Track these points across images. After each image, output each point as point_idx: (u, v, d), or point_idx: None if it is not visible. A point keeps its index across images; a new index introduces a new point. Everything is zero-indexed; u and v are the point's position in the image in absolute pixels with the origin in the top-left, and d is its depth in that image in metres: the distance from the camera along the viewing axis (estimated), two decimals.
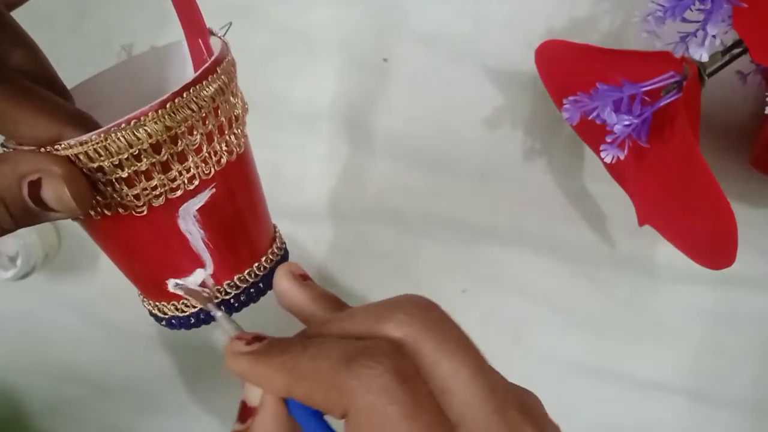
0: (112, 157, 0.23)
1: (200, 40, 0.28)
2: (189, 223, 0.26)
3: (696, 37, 0.32)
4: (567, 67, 0.38)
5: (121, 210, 0.25)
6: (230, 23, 0.29)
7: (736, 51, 0.33)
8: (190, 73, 0.29)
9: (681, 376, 0.46)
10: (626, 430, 0.47)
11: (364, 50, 0.45)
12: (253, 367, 0.24)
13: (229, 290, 0.28)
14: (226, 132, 0.26)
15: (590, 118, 0.33)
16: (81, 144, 0.23)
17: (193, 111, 0.24)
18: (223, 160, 0.26)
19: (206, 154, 0.25)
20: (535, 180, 0.45)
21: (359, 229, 0.47)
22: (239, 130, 0.27)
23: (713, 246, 0.34)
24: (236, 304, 0.28)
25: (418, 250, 0.47)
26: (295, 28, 0.46)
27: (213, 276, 0.27)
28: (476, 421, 0.21)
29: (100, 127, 0.24)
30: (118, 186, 0.24)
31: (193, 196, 0.26)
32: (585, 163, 0.45)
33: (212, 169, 0.26)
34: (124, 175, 0.24)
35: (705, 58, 0.31)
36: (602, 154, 0.34)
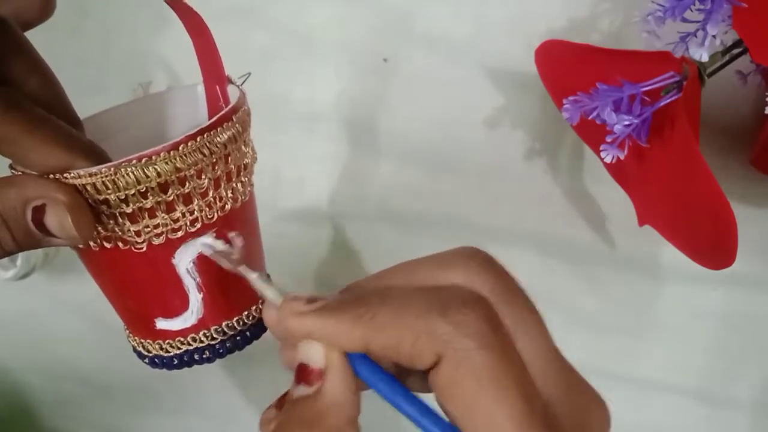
0: (119, 191, 0.24)
1: (218, 87, 0.29)
2: (185, 265, 0.26)
3: (696, 37, 0.32)
4: (567, 67, 0.38)
5: (120, 244, 0.25)
6: (249, 74, 0.29)
7: (736, 51, 0.33)
8: (203, 117, 0.29)
9: (681, 376, 0.46)
10: (626, 430, 0.47)
11: (365, 50, 0.45)
12: (325, 322, 0.23)
13: (215, 336, 0.28)
14: (233, 179, 0.26)
15: (590, 118, 0.33)
16: (90, 175, 0.23)
17: (205, 156, 0.25)
18: (228, 207, 0.26)
19: (211, 199, 0.26)
20: (535, 180, 0.45)
21: (359, 229, 0.47)
22: (246, 179, 0.28)
23: (713, 246, 0.34)
24: (221, 350, 0.28)
25: (419, 250, 0.47)
26: (295, 28, 0.46)
27: (201, 320, 0.27)
28: (544, 372, 0.24)
29: (110, 160, 0.24)
30: (121, 220, 0.25)
31: (193, 238, 0.26)
32: (585, 163, 0.45)
33: (215, 215, 0.26)
34: (129, 210, 0.24)
35: (705, 58, 0.31)
36: (602, 154, 0.34)
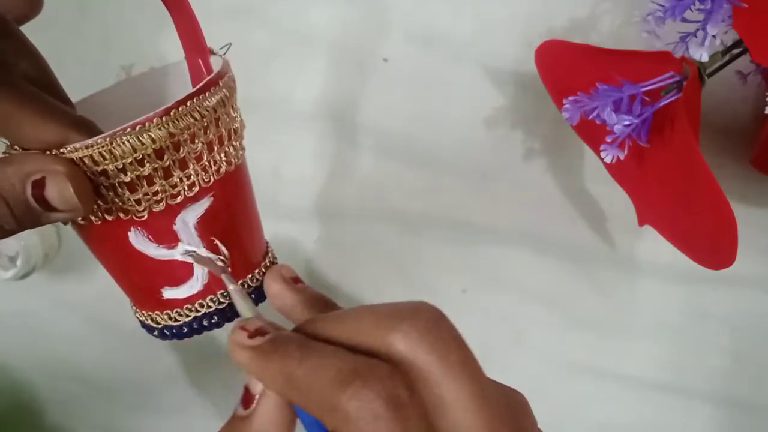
0: (116, 161, 0.24)
1: (200, 60, 0.29)
2: (187, 231, 0.27)
3: (696, 37, 0.32)
4: (567, 67, 0.38)
5: (121, 215, 0.25)
6: (230, 44, 0.29)
7: (736, 51, 0.33)
8: (189, 91, 0.30)
9: (681, 376, 0.46)
10: (626, 429, 0.47)
11: (365, 50, 0.45)
12: (253, 362, 0.24)
13: (222, 300, 0.28)
14: (225, 143, 0.27)
15: (590, 118, 0.33)
16: (86, 147, 0.23)
17: (196, 119, 0.25)
18: (222, 170, 0.27)
19: (206, 163, 0.26)
20: (535, 180, 0.45)
21: (359, 229, 0.47)
22: (238, 143, 0.28)
23: (713, 246, 0.34)
24: (229, 314, 0.29)
25: (418, 250, 0.47)
26: (295, 28, 0.46)
27: (207, 285, 0.28)
28: None
29: (102, 133, 0.24)
30: (120, 190, 0.25)
31: (192, 203, 0.26)
32: (585, 163, 0.45)
33: (212, 178, 0.27)
34: (127, 179, 0.24)
35: (705, 58, 0.31)
36: (602, 154, 0.34)
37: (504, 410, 0.23)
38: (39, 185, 0.23)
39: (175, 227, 0.26)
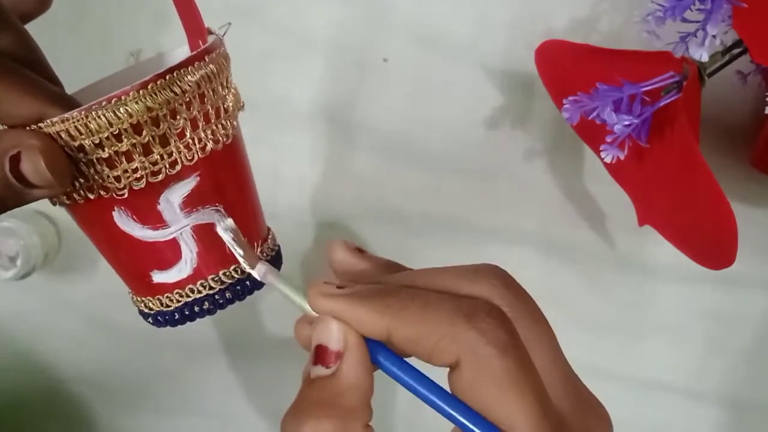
0: (93, 135, 0.23)
1: (200, 41, 0.28)
2: (171, 211, 0.26)
3: (696, 37, 0.32)
4: (567, 67, 0.38)
5: (102, 192, 0.25)
6: (229, 23, 0.29)
7: (736, 51, 0.33)
8: None
9: (681, 375, 0.46)
10: (626, 430, 0.47)
11: (364, 50, 0.45)
12: (353, 307, 0.24)
13: (213, 285, 0.27)
14: (212, 121, 0.26)
15: (590, 118, 0.33)
16: (62, 121, 0.23)
17: (176, 94, 0.24)
18: (208, 148, 0.26)
19: (189, 140, 0.25)
20: (535, 180, 0.45)
21: (359, 230, 0.47)
22: (228, 122, 0.27)
23: (713, 246, 0.34)
24: (221, 301, 0.28)
25: (418, 250, 0.47)
26: (295, 28, 0.46)
27: (197, 269, 0.27)
28: (554, 384, 0.25)
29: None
30: (99, 167, 0.24)
31: (175, 182, 0.26)
32: (585, 163, 0.45)
33: (195, 156, 0.26)
34: (105, 155, 0.24)
35: (705, 58, 0.31)
36: (602, 154, 0.34)
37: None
38: (15, 159, 0.23)
39: (159, 207, 0.26)
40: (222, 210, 0.27)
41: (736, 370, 0.45)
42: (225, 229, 0.26)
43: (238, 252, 0.26)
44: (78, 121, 0.23)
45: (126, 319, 0.49)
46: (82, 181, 0.25)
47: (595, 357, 0.46)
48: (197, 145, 0.26)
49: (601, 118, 0.33)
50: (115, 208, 0.26)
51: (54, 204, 0.27)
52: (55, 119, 0.23)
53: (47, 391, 0.51)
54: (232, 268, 0.28)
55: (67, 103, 0.24)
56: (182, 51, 0.30)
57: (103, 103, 0.23)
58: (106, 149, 0.24)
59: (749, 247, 0.34)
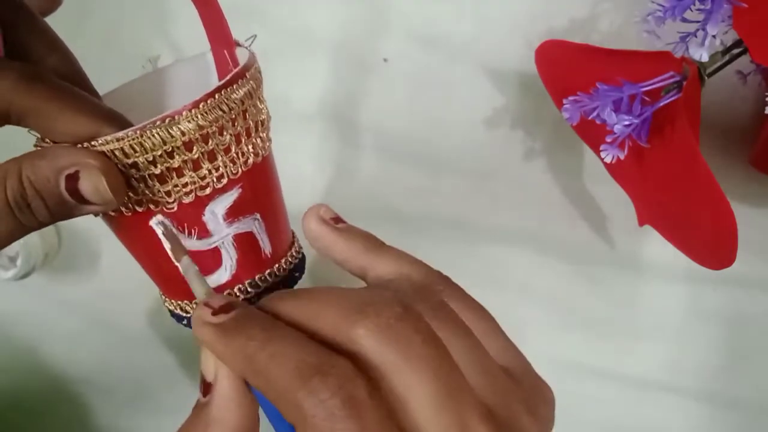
0: (147, 153, 0.24)
1: (226, 51, 0.29)
2: (215, 222, 0.27)
3: (696, 37, 0.32)
4: (567, 67, 0.38)
5: (152, 206, 0.26)
6: (255, 36, 0.30)
7: (736, 51, 0.33)
8: (215, 83, 0.30)
9: (681, 376, 0.46)
10: (626, 430, 0.47)
11: (364, 50, 0.45)
12: (215, 340, 0.24)
13: (250, 289, 0.28)
14: (252, 135, 0.27)
15: (590, 118, 0.33)
16: (117, 140, 0.24)
17: (224, 112, 0.25)
18: (250, 161, 0.27)
19: (234, 155, 0.26)
20: (535, 180, 0.45)
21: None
22: (264, 134, 0.28)
23: (713, 246, 0.34)
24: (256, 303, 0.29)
25: (418, 250, 0.47)
26: (295, 28, 0.46)
27: (235, 275, 0.28)
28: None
29: (132, 126, 0.24)
30: (150, 182, 0.25)
31: (220, 194, 0.27)
32: (585, 163, 0.45)
33: (239, 170, 0.27)
34: (157, 171, 0.25)
35: (705, 58, 0.31)
36: (602, 154, 0.34)
37: (482, 405, 0.23)
38: (73, 178, 0.24)
39: (204, 218, 0.27)
40: (259, 218, 0.28)
41: (736, 370, 0.45)
42: (157, 222, 0.27)
43: (166, 244, 0.27)
44: (133, 139, 0.24)
45: (126, 319, 0.49)
46: (131, 195, 0.26)
47: (595, 357, 0.46)
48: (241, 159, 0.27)
49: (601, 118, 0.33)
50: (162, 220, 0.26)
51: (96, 215, 0.27)
52: (109, 137, 0.24)
53: (47, 391, 0.51)
54: (267, 271, 0.29)
55: (119, 121, 0.25)
56: (201, 57, 0.31)
57: (157, 122, 0.24)
58: (159, 166, 0.25)
59: (749, 247, 0.34)
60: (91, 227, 0.49)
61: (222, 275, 0.28)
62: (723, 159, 0.42)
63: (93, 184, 0.23)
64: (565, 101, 0.34)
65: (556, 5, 0.43)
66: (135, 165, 0.25)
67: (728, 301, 0.45)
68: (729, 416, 0.46)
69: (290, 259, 0.30)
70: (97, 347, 0.50)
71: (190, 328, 0.29)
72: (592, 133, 0.38)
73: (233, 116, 0.26)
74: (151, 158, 0.24)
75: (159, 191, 0.25)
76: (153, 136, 0.24)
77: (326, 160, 0.47)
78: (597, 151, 0.36)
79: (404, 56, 0.45)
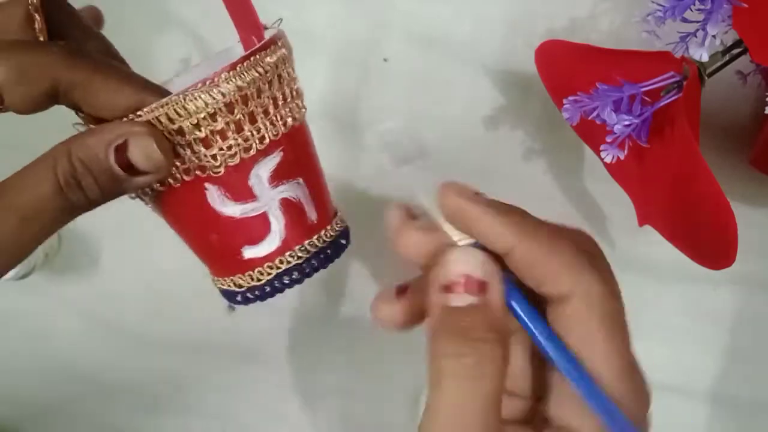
0: (191, 117, 0.25)
1: (254, 37, 0.30)
2: (261, 186, 0.28)
3: (696, 37, 0.32)
4: (567, 67, 0.38)
5: (199, 172, 0.27)
6: (281, 19, 0.31)
7: (736, 51, 0.33)
8: None
9: (681, 376, 0.46)
10: None
11: (364, 50, 0.45)
12: (487, 214, 0.25)
13: (300, 255, 0.29)
14: (289, 100, 0.28)
15: (590, 118, 0.33)
16: (162, 106, 0.25)
17: (260, 74, 0.26)
18: (289, 123, 0.28)
19: (273, 117, 0.27)
20: (535, 180, 0.45)
21: (359, 229, 0.47)
22: (300, 102, 0.29)
23: (713, 246, 0.34)
24: (308, 270, 0.30)
25: None
26: (295, 28, 0.46)
27: (285, 241, 0.29)
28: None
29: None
30: (196, 147, 0.26)
31: (263, 157, 0.27)
32: (585, 163, 0.45)
33: (280, 131, 0.28)
34: (202, 135, 0.26)
35: (705, 58, 0.31)
36: (602, 154, 0.34)
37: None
38: (121, 150, 0.24)
39: (249, 182, 0.27)
40: (303, 183, 0.29)
41: (736, 370, 0.45)
42: None
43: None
44: (177, 104, 0.25)
45: (126, 319, 0.49)
46: (178, 164, 0.26)
47: None
48: (280, 122, 0.28)
49: (601, 118, 0.33)
50: (209, 187, 0.27)
51: (144, 196, 0.28)
52: (153, 105, 0.25)
53: (47, 391, 0.51)
54: (315, 237, 0.30)
55: (160, 91, 0.26)
56: (231, 51, 0.32)
57: (198, 85, 0.25)
58: (203, 129, 0.26)
59: (749, 247, 0.34)
60: (92, 227, 0.49)
61: (273, 241, 0.29)
62: (723, 159, 0.42)
63: (143, 149, 0.24)
64: (565, 101, 0.34)
65: (556, 5, 0.43)
66: (180, 131, 0.25)
67: (728, 301, 0.45)
68: (729, 416, 0.46)
69: (335, 227, 0.31)
70: (97, 347, 0.50)
71: (244, 304, 0.30)
72: (592, 133, 0.38)
73: (269, 78, 0.27)
74: (195, 122, 0.25)
75: (205, 155, 0.26)
76: (196, 99, 0.25)
77: (326, 160, 0.46)
78: (597, 151, 0.36)
79: (404, 56, 0.45)
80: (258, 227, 0.28)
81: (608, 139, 0.33)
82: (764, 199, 0.43)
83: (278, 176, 0.28)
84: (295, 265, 0.29)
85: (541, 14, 0.43)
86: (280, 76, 0.28)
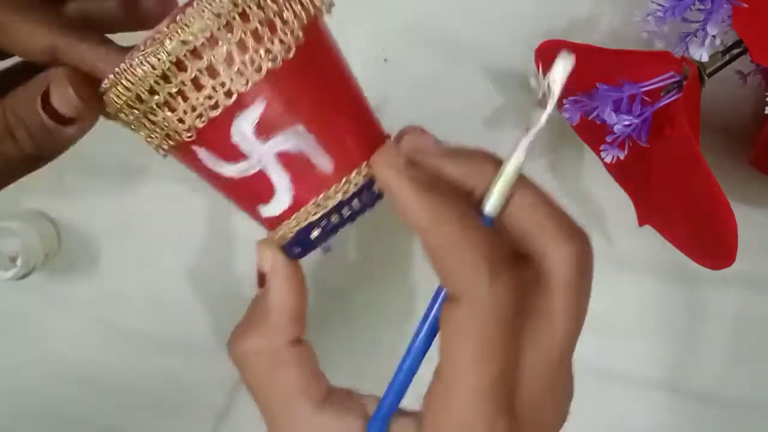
0: (143, 83, 0.23)
1: None
2: (247, 142, 0.25)
3: (696, 37, 0.32)
4: None
5: (176, 136, 0.25)
6: None
7: (736, 51, 0.33)
8: None
9: (681, 375, 0.46)
10: (626, 429, 0.47)
11: (364, 50, 0.45)
12: (403, 188, 0.24)
13: (316, 211, 0.26)
14: (265, 39, 0.24)
15: (590, 118, 0.33)
16: (116, 77, 0.23)
17: (210, 20, 0.23)
18: (264, 69, 0.24)
19: (240, 65, 0.23)
20: (535, 180, 0.45)
21: (359, 229, 0.47)
22: (289, 35, 0.24)
23: (713, 246, 0.34)
24: (329, 227, 0.26)
25: (419, 250, 0.47)
26: None
27: (296, 197, 0.26)
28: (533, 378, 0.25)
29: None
30: (161, 113, 0.24)
31: (240, 111, 0.24)
32: (585, 163, 0.45)
33: (251, 79, 0.24)
34: (162, 99, 0.24)
35: (705, 58, 0.31)
36: (602, 154, 0.34)
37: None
38: (47, 96, 0.24)
39: (233, 140, 0.24)
40: (304, 130, 0.25)
41: (736, 370, 0.45)
42: None
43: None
44: (125, 72, 0.23)
45: (126, 319, 0.49)
46: (158, 130, 0.25)
47: (595, 357, 0.46)
48: (251, 68, 0.24)
49: (601, 118, 0.33)
50: (197, 149, 0.25)
51: (161, 150, 0.26)
52: (105, 83, 0.24)
53: (47, 391, 0.51)
54: (332, 188, 0.26)
55: (78, 31, 0.25)
56: None
57: (141, 48, 0.23)
58: (160, 94, 0.23)
59: (749, 247, 0.34)
60: (92, 227, 0.49)
61: (282, 200, 0.26)
62: (723, 159, 0.42)
63: (61, 94, 0.24)
64: (565, 101, 0.34)
65: (556, 5, 0.43)
66: (139, 98, 0.24)
67: (728, 301, 0.45)
68: (729, 416, 0.46)
69: (363, 172, 0.27)
70: (97, 347, 0.49)
71: (301, 256, 0.27)
72: (592, 133, 0.38)
73: (225, 22, 0.23)
74: (148, 87, 0.23)
75: (173, 120, 0.24)
76: (142, 63, 0.23)
77: None
78: (597, 151, 0.36)
79: (404, 56, 0.45)
80: (258, 188, 0.25)
81: (608, 139, 0.33)
82: (764, 199, 0.43)
83: (266, 129, 0.24)
84: (309, 224, 0.26)
85: (541, 14, 0.43)
86: (243, 13, 0.23)
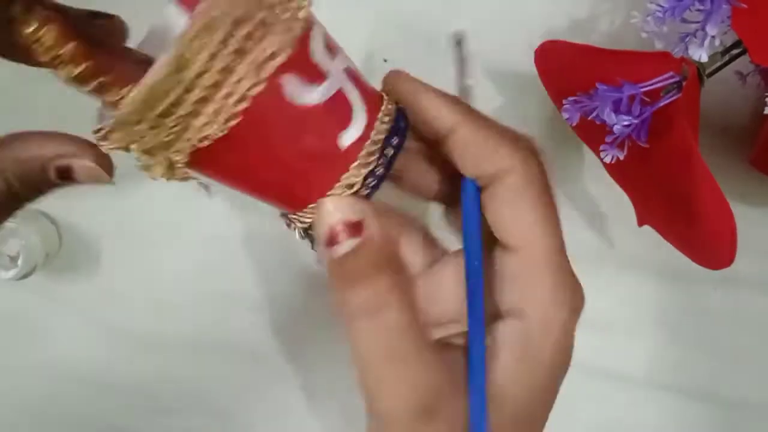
0: (168, 97, 0.22)
1: None
2: (324, 58, 0.25)
3: (695, 37, 0.32)
4: (567, 67, 0.38)
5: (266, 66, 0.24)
6: None
7: (735, 51, 0.33)
8: None
9: (681, 376, 0.46)
10: (625, 429, 0.47)
11: (364, 50, 0.45)
12: (429, 93, 0.26)
13: (386, 119, 0.27)
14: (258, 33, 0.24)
15: (590, 118, 0.33)
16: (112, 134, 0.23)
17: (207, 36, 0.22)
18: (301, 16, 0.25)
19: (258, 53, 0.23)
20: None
21: None
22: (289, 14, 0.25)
23: (713, 246, 0.34)
24: (395, 141, 0.27)
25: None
26: None
27: (368, 112, 0.26)
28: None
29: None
30: (184, 121, 0.23)
31: (311, 30, 0.25)
32: (585, 163, 0.45)
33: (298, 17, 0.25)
34: (191, 109, 0.23)
35: (704, 58, 0.31)
36: (602, 154, 0.34)
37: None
38: (64, 168, 0.24)
39: (314, 59, 0.25)
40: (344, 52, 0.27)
41: (736, 371, 0.45)
42: None
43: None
44: (143, 90, 0.22)
45: (126, 319, 0.49)
46: (210, 112, 0.23)
47: (594, 356, 0.46)
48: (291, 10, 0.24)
49: (600, 118, 0.33)
50: (282, 78, 0.24)
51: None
52: (106, 145, 0.24)
53: (47, 391, 0.51)
54: (384, 106, 0.27)
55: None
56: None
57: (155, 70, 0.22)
58: (185, 105, 0.23)
59: (749, 247, 0.34)
60: (91, 227, 0.49)
61: (359, 117, 0.26)
62: (723, 159, 0.42)
63: (87, 172, 0.24)
64: (565, 101, 0.34)
65: (556, 5, 0.43)
66: (177, 102, 0.22)
67: (728, 301, 0.45)
68: (729, 416, 0.46)
69: (389, 105, 0.28)
70: (97, 347, 0.50)
71: (369, 196, 0.28)
72: (592, 133, 0.38)
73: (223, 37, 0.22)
74: (172, 100, 0.22)
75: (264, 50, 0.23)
76: (163, 82, 0.22)
77: None
78: (597, 151, 0.36)
79: (404, 56, 0.45)
80: (341, 108, 0.25)
81: (608, 140, 0.33)
82: (764, 199, 0.43)
83: (330, 47, 0.26)
84: (386, 137, 0.26)
85: (541, 14, 0.43)
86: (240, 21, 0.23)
